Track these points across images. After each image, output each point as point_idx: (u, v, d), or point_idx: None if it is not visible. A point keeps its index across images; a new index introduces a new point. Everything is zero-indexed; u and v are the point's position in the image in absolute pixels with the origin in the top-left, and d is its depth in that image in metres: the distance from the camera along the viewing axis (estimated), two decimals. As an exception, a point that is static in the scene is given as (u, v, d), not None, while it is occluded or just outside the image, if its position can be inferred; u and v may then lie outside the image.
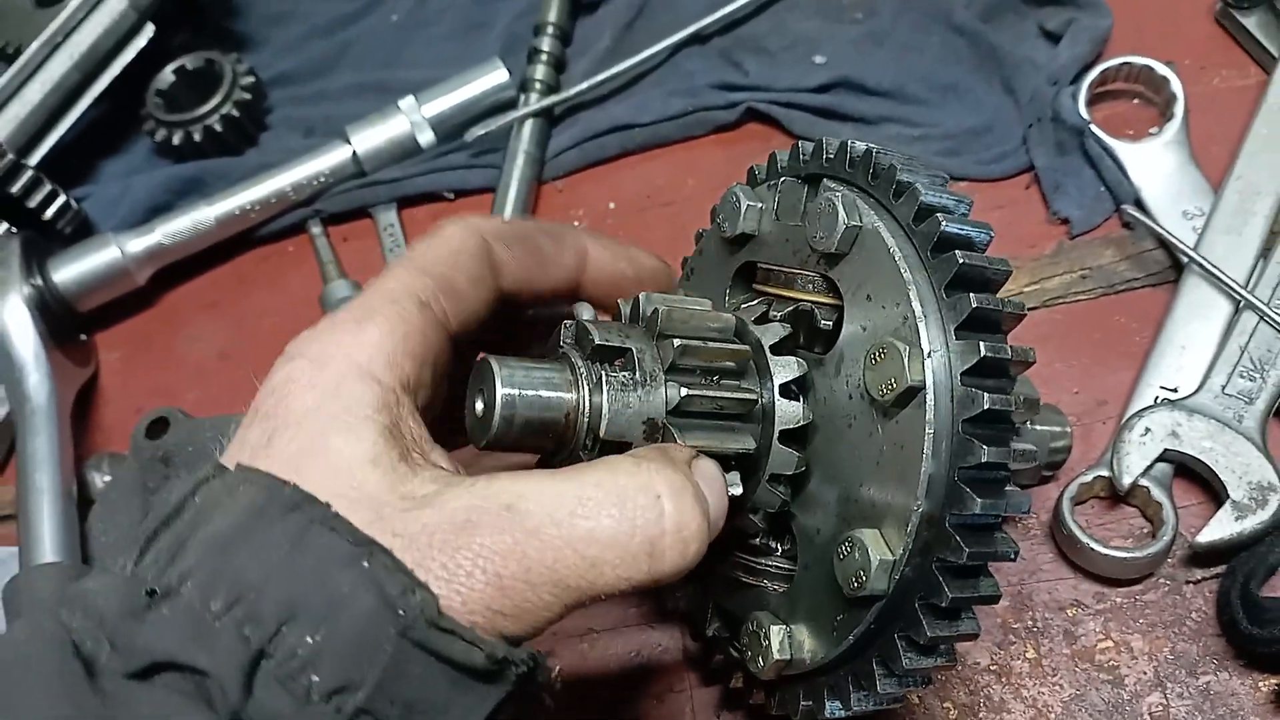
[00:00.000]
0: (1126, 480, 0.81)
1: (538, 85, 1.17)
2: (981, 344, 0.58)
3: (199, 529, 0.50)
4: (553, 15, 1.21)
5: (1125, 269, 0.95)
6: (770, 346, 0.65)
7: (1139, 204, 0.96)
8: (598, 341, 0.60)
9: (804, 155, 0.70)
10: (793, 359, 0.65)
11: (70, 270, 1.10)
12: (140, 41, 1.22)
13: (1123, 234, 0.97)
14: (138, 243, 1.12)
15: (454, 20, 1.31)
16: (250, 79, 1.24)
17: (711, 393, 0.62)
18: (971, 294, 0.58)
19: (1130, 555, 0.79)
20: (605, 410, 0.59)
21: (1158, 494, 0.81)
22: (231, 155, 1.23)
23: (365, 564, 0.48)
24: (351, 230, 1.18)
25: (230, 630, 0.46)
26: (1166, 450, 0.82)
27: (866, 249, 0.62)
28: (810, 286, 0.68)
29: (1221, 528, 0.78)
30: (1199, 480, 0.84)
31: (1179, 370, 0.87)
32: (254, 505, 0.50)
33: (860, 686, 0.64)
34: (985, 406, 0.57)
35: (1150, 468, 0.82)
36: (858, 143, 0.67)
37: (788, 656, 0.65)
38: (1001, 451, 0.57)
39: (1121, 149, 0.98)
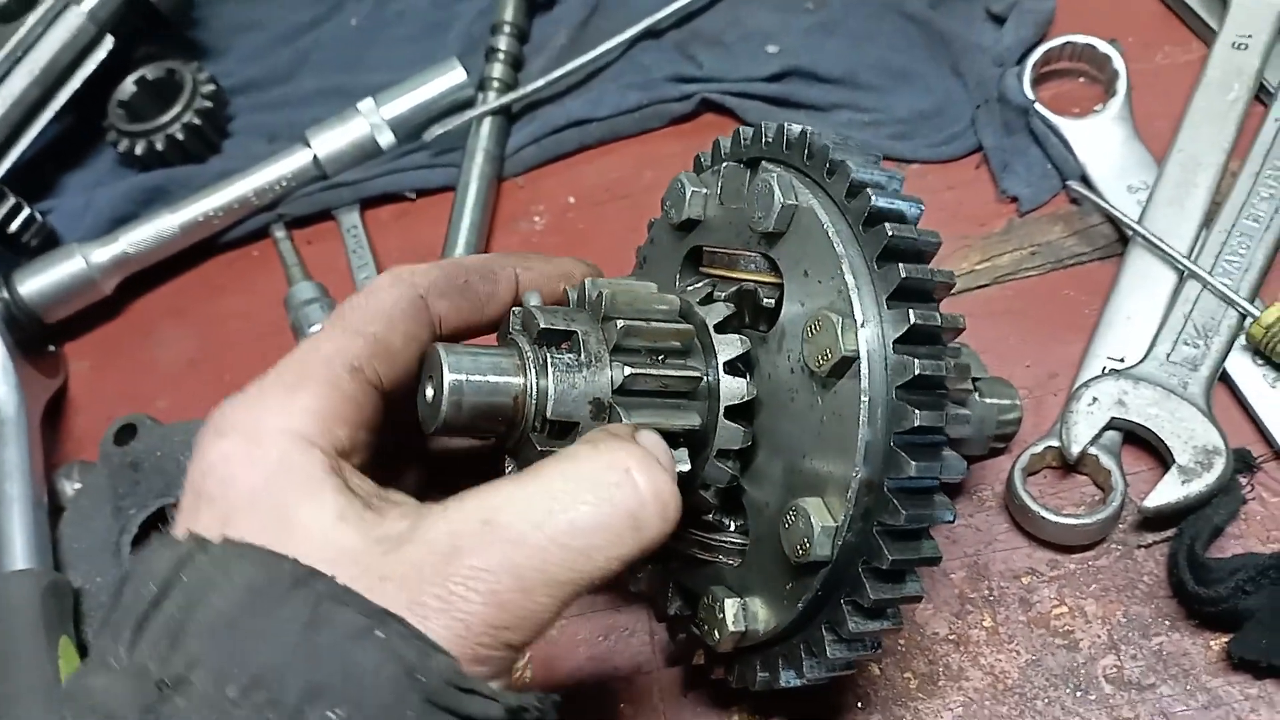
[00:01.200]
0: (1075, 449, 0.83)
1: (495, 84, 1.19)
2: (911, 312, 0.59)
3: (195, 611, 0.48)
4: (509, 14, 1.23)
5: (1073, 244, 0.97)
6: (714, 325, 0.67)
7: (1085, 180, 0.98)
8: (543, 325, 0.62)
9: (745, 140, 0.72)
10: (736, 337, 0.66)
11: (36, 283, 1.11)
12: (100, 54, 1.23)
13: (1071, 210, 0.99)
14: (102, 252, 1.13)
15: (413, 23, 1.32)
16: (211, 87, 1.25)
17: (656, 371, 0.63)
18: (901, 264, 0.60)
19: (1080, 522, 0.81)
20: (551, 392, 0.60)
21: (1106, 461, 0.83)
22: (195, 163, 1.24)
23: (380, 634, 0.48)
24: (315, 233, 1.19)
25: (251, 716, 0.45)
26: (1114, 419, 0.84)
27: (802, 227, 0.64)
28: (753, 266, 0.70)
29: (1168, 492, 0.80)
30: (1147, 447, 0.86)
31: (1126, 340, 0.88)
32: (253, 583, 0.49)
33: (812, 653, 0.65)
34: (917, 372, 0.58)
35: (1099, 436, 0.84)
36: (794, 125, 0.68)
37: (743, 628, 0.67)
38: (935, 415, 0.59)
39: (1066, 126, 1.00)
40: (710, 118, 1.14)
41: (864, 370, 0.59)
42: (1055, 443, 0.85)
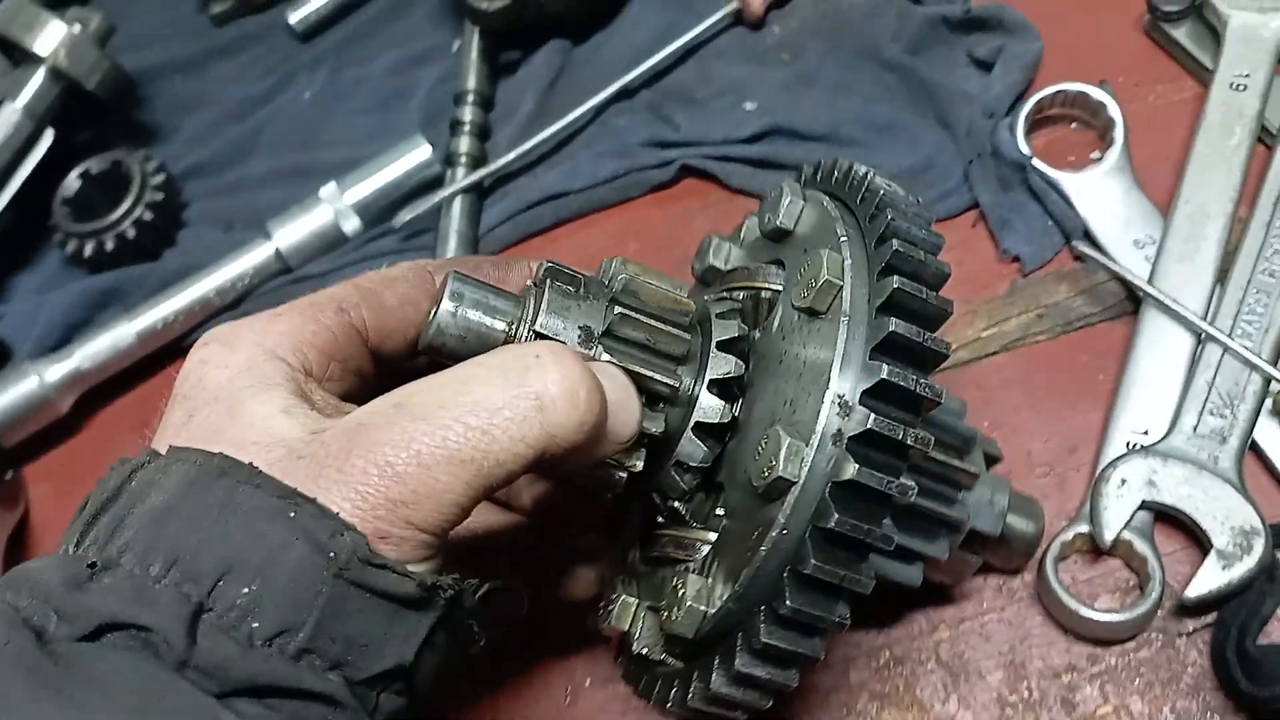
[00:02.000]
0: (1108, 536, 0.79)
1: (463, 159, 1.13)
2: (885, 367, 0.59)
3: (135, 507, 0.52)
4: (471, 82, 1.17)
5: (1081, 304, 0.93)
6: (718, 342, 0.65)
7: (1088, 235, 0.94)
8: (550, 265, 0.64)
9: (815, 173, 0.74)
10: (732, 358, 0.65)
11: (-13, 406, 1.05)
12: (40, 149, 1.17)
13: (1075, 267, 0.95)
14: (57, 369, 1.06)
15: (370, 93, 1.26)
16: (161, 176, 1.18)
17: (647, 320, 0.63)
18: (895, 319, 0.59)
19: (1123, 618, 0.77)
20: (544, 306, 0.61)
21: (1141, 547, 0.79)
22: (148, 259, 1.18)
23: (292, 514, 0.50)
24: (283, 328, 1.13)
25: (170, 590, 0.49)
26: (1145, 501, 0.80)
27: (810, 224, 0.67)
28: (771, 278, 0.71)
29: (1210, 580, 0.76)
30: (1178, 524, 0.82)
31: (1147, 411, 0.85)
32: (186, 479, 0.52)
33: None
34: (869, 426, 0.58)
35: (1130, 519, 0.80)
36: (859, 167, 0.70)
37: (703, 607, 0.63)
38: (879, 479, 0.58)
39: (1065, 180, 0.96)
40: (692, 183, 1.10)
41: (822, 416, 0.58)
42: (1085, 528, 0.81)
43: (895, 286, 0.59)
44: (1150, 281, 0.88)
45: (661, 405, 0.64)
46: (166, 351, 1.12)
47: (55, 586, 0.49)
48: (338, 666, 0.50)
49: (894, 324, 0.59)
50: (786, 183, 0.70)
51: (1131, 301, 0.92)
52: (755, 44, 1.16)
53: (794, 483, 0.58)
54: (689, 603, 0.63)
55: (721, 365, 0.64)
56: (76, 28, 1.17)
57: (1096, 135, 1.00)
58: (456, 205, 1.10)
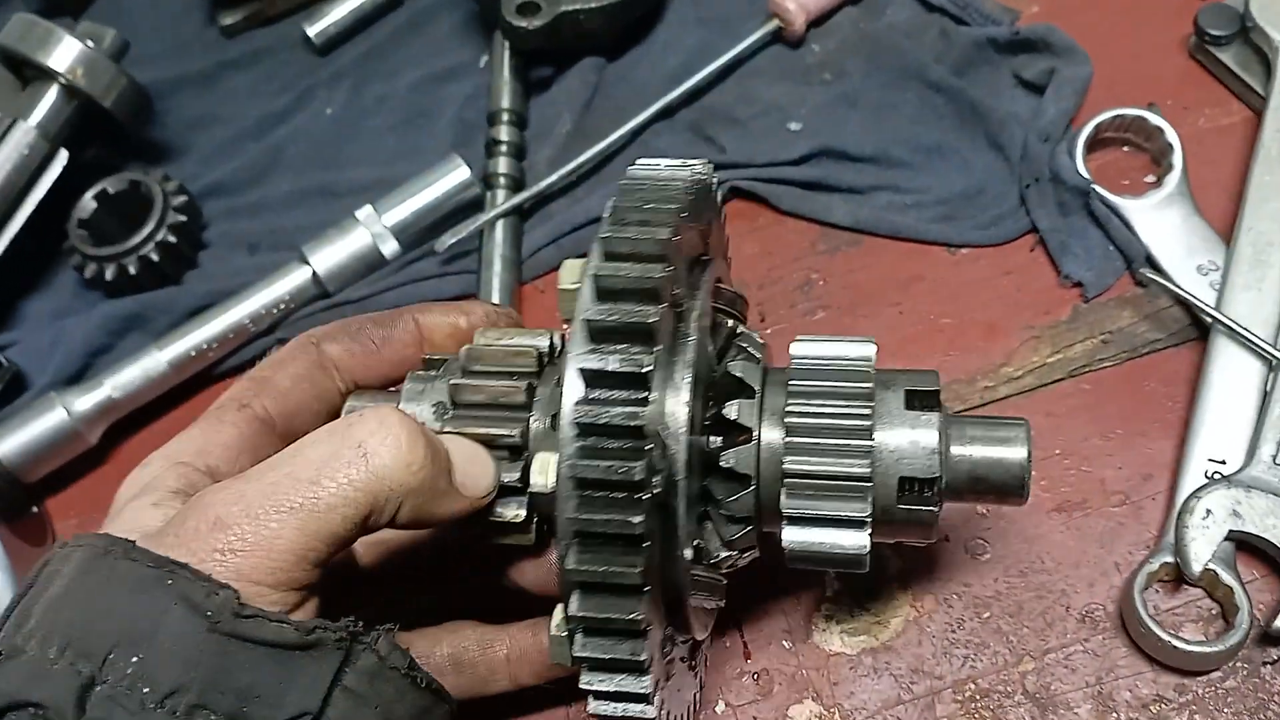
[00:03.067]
0: (1196, 568, 0.79)
1: (502, 180, 1.10)
2: None
3: (40, 596, 0.56)
4: (505, 101, 1.14)
5: (1146, 330, 0.93)
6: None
7: (1150, 261, 0.94)
8: (424, 358, 0.75)
9: None
10: None
11: (14, 441, 1.00)
12: (55, 171, 1.12)
13: (1137, 293, 0.95)
14: (85, 400, 1.02)
15: (394, 111, 1.22)
16: (183, 198, 1.14)
17: (487, 381, 0.69)
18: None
19: (1214, 649, 0.77)
20: (402, 397, 0.72)
21: (1227, 577, 0.79)
22: (171, 283, 1.13)
23: (169, 581, 0.53)
24: (318, 355, 1.09)
25: (64, 669, 0.52)
26: (1230, 531, 0.80)
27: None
28: None
29: (1298, 611, 0.77)
30: (1258, 553, 0.82)
31: (1224, 440, 0.85)
32: (79, 562, 0.56)
33: None
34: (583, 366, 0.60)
35: (1216, 551, 0.80)
36: None
37: (562, 633, 0.65)
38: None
39: (1125, 205, 0.96)
40: (740, 205, 1.08)
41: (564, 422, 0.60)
42: (1170, 558, 0.81)
43: (598, 273, 0.60)
44: (1217, 308, 0.89)
45: (524, 453, 0.68)
46: (197, 380, 1.08)
47: None
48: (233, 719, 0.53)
49: (594, 310, 0.60)
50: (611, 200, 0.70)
51: (1196, 327, 0.92)
52: (795, 63, 1.15)
53: (547, 492, 0.62)
54: (554, 632, 0.65)
55: (557, 401, 0.65)
56: (90, 43, 1.12)
57: (1150, 159, 1.01)
58: (499, 229, 1.07)
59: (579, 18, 1.12)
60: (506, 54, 1.17)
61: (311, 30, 1.27)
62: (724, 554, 0.69)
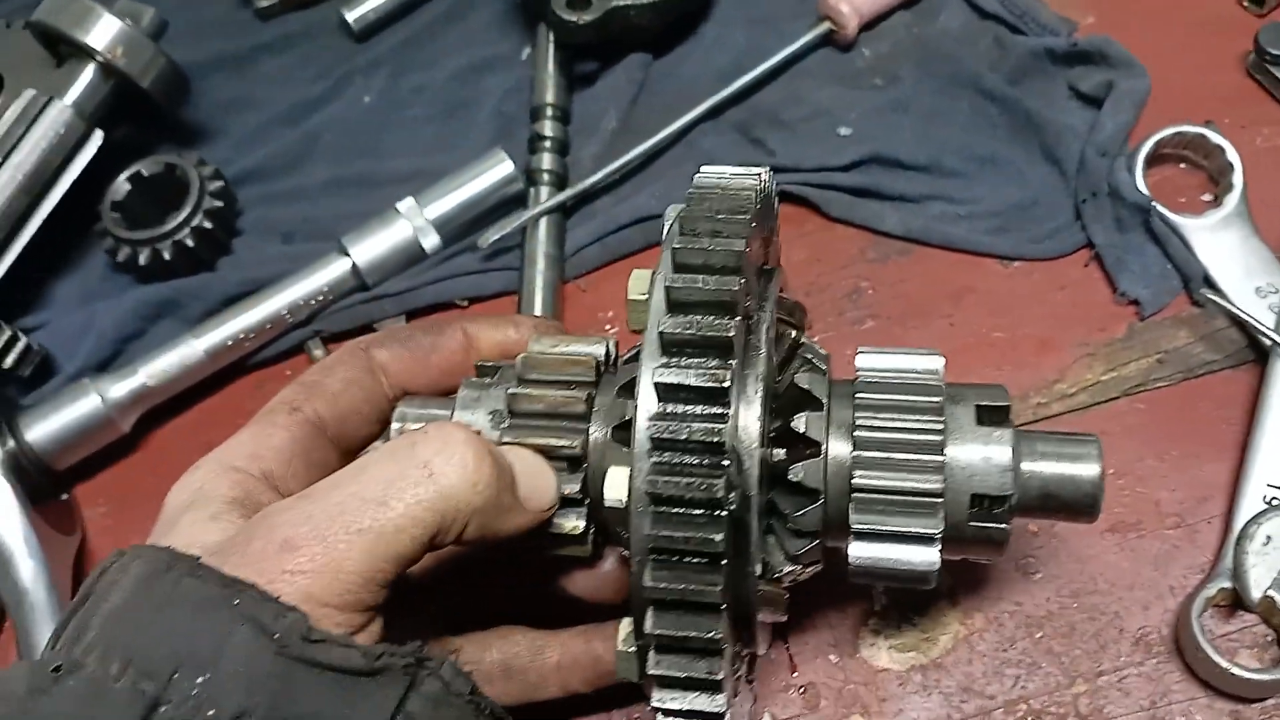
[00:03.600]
0: (1257, 594, 0.79)
1: (546, 176, 1.09)
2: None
3: (99, 607, 0.54)
4: (550, 95, 1.13)
5: (1202, 351, 0.92)
6: (618, 388, 0.68)
7: (1207, 281, 0.93)
8: (477, 364, 0.75)
9: None
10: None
11: (46, 427, 0.98)
12: (89, 151, 1.09)
13: (1193, 312, 0.94)
14: (120, 387, 1.00)
15: (433, 101, 1.20)
16: (219, 183, 1.12)
17: (545, 391, 0.68)
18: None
19: (1270, 677, 0.77)
20: (457, 405, 0.71)
21: (1286, 604, 0.79)
22: (205, 269, 1.11)
23: (236, 601, 0.52)
24: (355, 348, 1.07)
25: (127, 688, 0.50)
26: (1291, 558, 0.79)
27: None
28: None
29: (1361, 640, 0.76)
30: (1317, 580, 0.82)
31: (1283, 465, 0.84)
32: (140, 576, 0.55)
33: None
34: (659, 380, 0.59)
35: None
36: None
37: (630, 649, 0.66)
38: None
39: (1184, 224, 0.95)
40: (787, 209, 1.06)
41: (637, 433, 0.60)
42: (1227, 584, 0.80)
43: (671, 284, 0.60)
44: (1277, 331, 0.88)
45: (583, 464, 0.67)
46: (230, 369, 1.06)
47: (18, 696, 0.51)
48: None
49: (668, 323, 0.59)
50: (671, 205, 0.70)
51: (1253, 350, 0.91)
52: (844, 66, 1.14)
53: (620, 508, 0.60)
54: (620, 647, 0.66)
55: (617, 411, 0.67)
56: (128, 22, 1.10)
57: (1207, 177, 1.00)
58: (542, 225, 1.05)
59: (629, 13, 1.10)
60: (551, 47, 1.15)
61: (350, 15, 1.25)
62: (788, 568, 0.68)
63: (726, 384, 0.58)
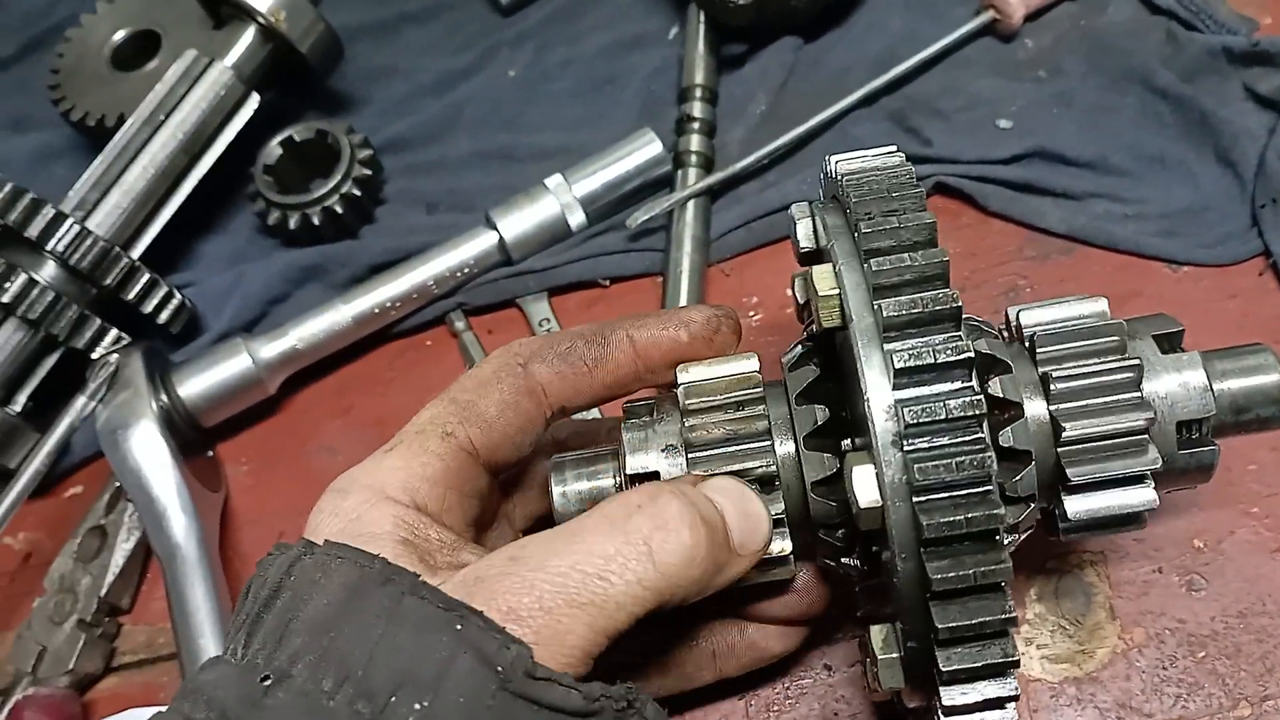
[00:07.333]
0: None
1: (694, 158, 1.07)
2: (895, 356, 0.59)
3: (301, 609, 0.53)
4: (699, 77, 1.11)
5: (1386, 369, 0.88)
6: (796, 395, 0.67)
7: (1394, 297, 0.89)
8: (625, 405, 0.70)
9: None
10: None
11: (198, 383, 0.99)
12: (246, 113, 1.11)
13: (1376, 330, 0.90)
14: (271, 348, 1.01)
15: (578, 77, 1.20)
16: (368, 151, 1.13)
17: (719, 414, 0.66)
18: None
19: None
20: (626, 450, 0.67)
21: None
22: (349, 236, 1.12)
23: (459, 626, 0.51)
24: (495, 321, 1.08)
25: (343, 708, 0.49)
26: None
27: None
28: None
29: None
30: None
31: None
32: (348, 582, 0.53)
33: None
34: (901, 365, 0.57)
35: None
36: (829, 158, 0.68)
37: (894, 654, 0.63)
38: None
39: (1371, 236, 0.90)
40: (941, 201, 1.04)
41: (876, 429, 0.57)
42: None
43: (873, 269, 0.58)
44: None
45: (777, 483, 0.65)
46: (371, 337, 1.07)
47: (232, 703, 0.50)
48: None
49: (887, 306, 0.57)
50: (795, 205, 0.69)
51: None
52: (1006, 57, 1.11)
53: (877, 508, 0.57)
54: (880, 655, 0.63)
55: (805, 419, 0.65)
56: (287, -13, 1.11)
57: (1392, 187, 0.95)
58: (690, 207, 1.04)
59: (787, -4, 1.09)
60: (702, 28, 1.14)
61: (501, -11, 1.25)
62: (1008, 538, 0.66)
63: (970, 354, 0.57)
